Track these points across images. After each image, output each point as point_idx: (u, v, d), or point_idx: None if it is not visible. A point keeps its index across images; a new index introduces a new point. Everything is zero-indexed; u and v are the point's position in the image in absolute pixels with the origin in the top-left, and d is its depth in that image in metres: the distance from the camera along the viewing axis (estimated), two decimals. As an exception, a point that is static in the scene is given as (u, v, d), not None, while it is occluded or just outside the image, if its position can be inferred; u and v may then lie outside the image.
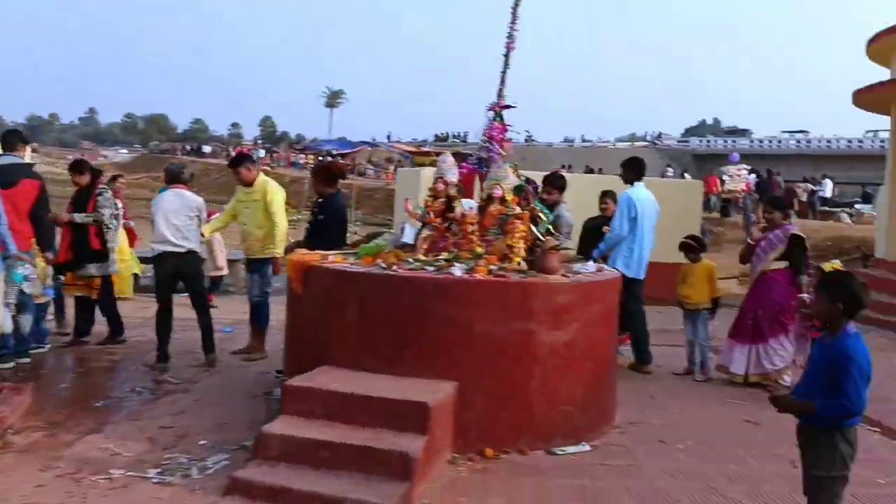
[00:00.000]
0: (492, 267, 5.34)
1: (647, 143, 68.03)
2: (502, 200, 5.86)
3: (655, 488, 4.68)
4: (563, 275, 5.44)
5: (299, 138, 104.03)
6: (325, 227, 6.60)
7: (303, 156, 55.20)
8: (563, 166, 38.64)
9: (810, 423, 3.57)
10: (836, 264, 7.36)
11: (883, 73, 13.68)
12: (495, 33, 6.52)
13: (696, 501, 4.51)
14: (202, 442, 5.09)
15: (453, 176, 6.07)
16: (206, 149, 72.00)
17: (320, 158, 45.46)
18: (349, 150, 51.17)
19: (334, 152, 50.05)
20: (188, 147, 77.29)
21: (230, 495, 4.25)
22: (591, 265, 6.05)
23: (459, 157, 6.80)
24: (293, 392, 4.83)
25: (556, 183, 7.54)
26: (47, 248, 7.16)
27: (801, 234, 7.26)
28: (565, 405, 5.25)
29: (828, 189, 29.36)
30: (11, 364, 6.55)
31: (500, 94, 6.23)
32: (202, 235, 7.56)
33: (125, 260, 11.26)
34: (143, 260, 11.58)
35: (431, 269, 5.33)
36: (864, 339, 3.59)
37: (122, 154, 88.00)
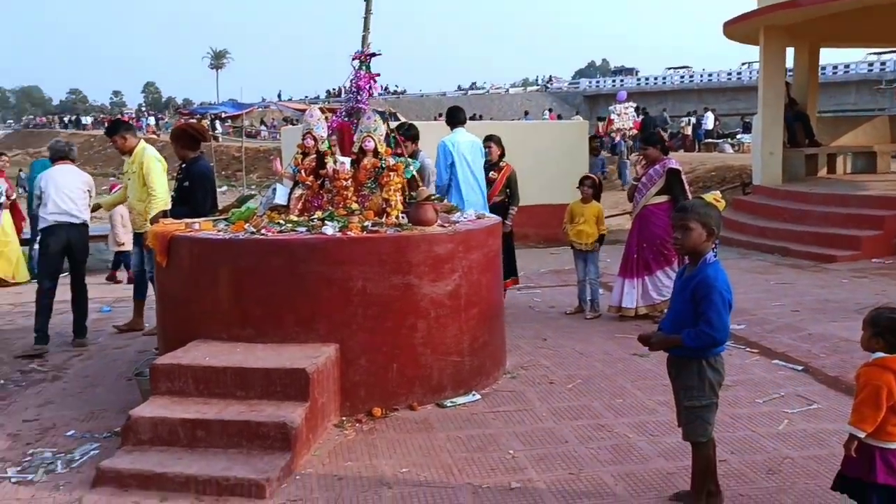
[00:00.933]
0: (366, 223, 5.15)
1: (538, 87, 68.66)
2: (375, 153, 5.66)
3: (544, 430, 4.67)
4: (440, 225, 5.31)
5: (186, 103, 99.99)
6: (192, 194, 6.24)
7: (193, 121, 53.06)
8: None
9: (678, 355, 3.58)
10: (715, 195, 7.50)
11: (751, 4, 14.02)
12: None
13: (583, 438, 4.53)
14: (70, 433, 4.76)
15: (322, 130, 5.81)
16: (86, 120, 68.30)
17: (204, 123, 44.01)
18: (239, 112, 49.49)
19: (223, 115, 48.37)
20: (66, 119, 73.11)
21: (98, 487, 3.98)
22: (469, 213, 5.94)
23: (331, 112, 6.53)
24: (163, 371, 4.55)
25: (406, 134, 7.34)
26: None
27: (678, 168, 7.36)
28: (453, 356, 5.17)
29: (709, 121, 30.34)
30: None
31: (364, 42, 5.97)
32: (100, 208, 7.54)
33: (10, 241, 10.57)
34: (23, 242, 10.89)
35: (303, 229, 5.10)
36: (722, 265, 3.60)
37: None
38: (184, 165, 6.40)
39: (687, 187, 7.40)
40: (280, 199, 5.77)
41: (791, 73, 16.35)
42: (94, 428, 4.85)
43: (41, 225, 6.92)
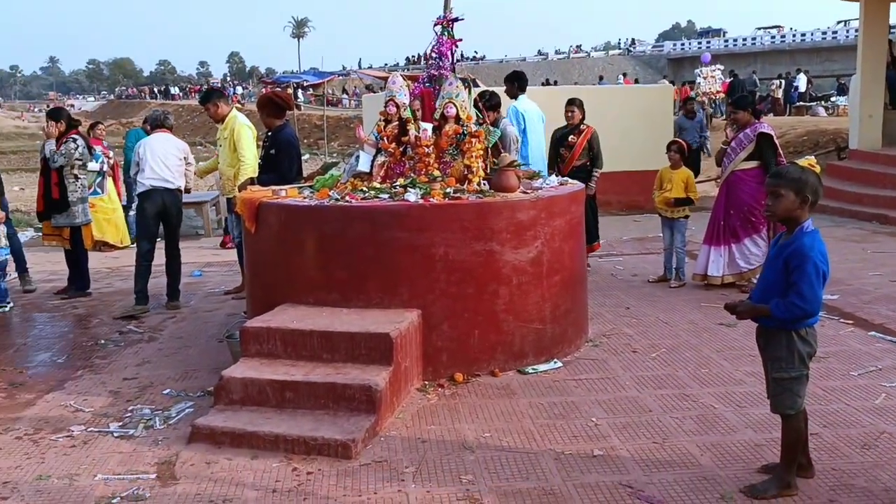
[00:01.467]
0: (448, 190, 5.15)
1: (621, 51, 66.96)
2: (457, 119, 5.64)
3: (627, 398, 4.63)
4: (522, 192, 5.27)
5: (269, 72, 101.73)
6: (278, 161, 6.36)
7: (278, 90, 53.94)
8: (545, 81, 38.10)
9: (767, 325, 3.48)
10: (810, 160, 7.21)
11: (852, -43, 13.28)
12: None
13: (668, 407, 4.47)
14: (166, 391, 4.99)
15: (404, 97, 5.81)
16: (174, 90, 70.41)
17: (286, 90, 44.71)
18: (321, 80, 50.04)
19: (305, 84, 49.02)
20: (156, 90, 75.52)
21: (193, 443, 4.15)
22: (553, 179, 5.87)
23: (412, 79, 6.52)
24: (252, 333, 4.70)
25: (489, 103, 7.29)
26: None
27: (770, 132, 7.08)
28: (535, 323, 5.16)
29: (802, 83, 29.01)
30: None
31: (446, 6, 5.92)
32: (195, 175, 8.13)
33: (116, 209, 11.06)
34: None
35: (386, 196, 5.14)
36: (821, 235, 3.46)
37: (90, 102, 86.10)
38: (269, 133, 6.52)
39: (780, 152, 7.12)
40: (363, 166, 5.82)
41: (894, 31, 15.45)
42: (188, 387, 5.06)
43: (138, 189, 7.21)
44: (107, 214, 10.98)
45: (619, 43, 74.12)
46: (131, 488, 3.68)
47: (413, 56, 71.96)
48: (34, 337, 6.44)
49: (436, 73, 5.94)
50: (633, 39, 72.29)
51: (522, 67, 58.89)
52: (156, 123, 7.68)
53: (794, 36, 57.45)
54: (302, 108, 42.70)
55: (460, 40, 5.91)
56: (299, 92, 46.22)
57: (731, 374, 4.95)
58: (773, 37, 59.30)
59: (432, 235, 4.86)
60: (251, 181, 6.37)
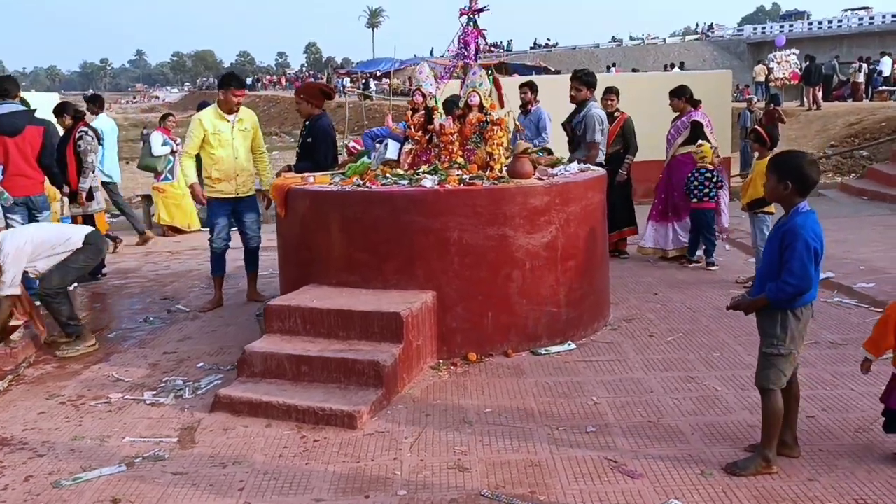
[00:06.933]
0: (465, 176, 5.33)
1: (698, 36, 65.30)
2: (480, 108, 5.80)
3: (632, 380, 4.74)
4: (538, 178, 5.41)
5: (346, 62, 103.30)
6: (315, 149, 6.64)
7: (348, 80, 54.90)
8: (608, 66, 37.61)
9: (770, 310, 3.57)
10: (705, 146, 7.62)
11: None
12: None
13: (670, 389, 4.56)
14: (200, 365, 5.34)
15: (430, 86, 6.01)
16: (249, 81, 72.46)
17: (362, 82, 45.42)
18: (392, 70, 50.56)
19: (378, 73, 49.68)
20: (233, 80, 77.74)
21: (215, 412, 4.48)
22: (573, 166, 5.97)
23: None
24: (274, 311, 5.00)
25: (584, 79, 7.55)
26: (60, 186, 7.69)
27: (701, 120, 7.74)
28: (549, 306, 5.30)
29: (886, 67, 27.79)
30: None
31: (473, -5, 6.07)
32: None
33: (185, 194, 11.63)
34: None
35: (405, 182, 5.36)
36: (815, 216, 3.51)
37: (173, 93, 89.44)
38: (307, 122, 6.81)
39: (711, 137, 7.78)
40: (391, 154, 6.06)
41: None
42: (220, 361, 5.40)
43: None
44: (176, 200, 11.54)
45: (696, 27, 72.15)
46: (154, 450, 4.02)
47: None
48: (89, 314, 6.90)
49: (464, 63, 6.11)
50: (711, 24, 70.37)
51: (595, 54, 58.33)
52: None
53: (883, 17, 54.88)
54: (374, 98, 43.29)
55: (485, 30, 6.04)
56: (371, 81, 46.92)
57: (742, 359, 4.99)
58: (860, 19, 56.81)
59: (447, 220, 5.06)
60: (288, 168, 6.68)
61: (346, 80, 49.14)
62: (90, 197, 8.03)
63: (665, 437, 3.94)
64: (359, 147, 6.94)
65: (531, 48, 67.71)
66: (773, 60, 24.42)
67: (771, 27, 64.02)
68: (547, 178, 5.41)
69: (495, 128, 5.72)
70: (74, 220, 8.05)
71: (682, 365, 4.96)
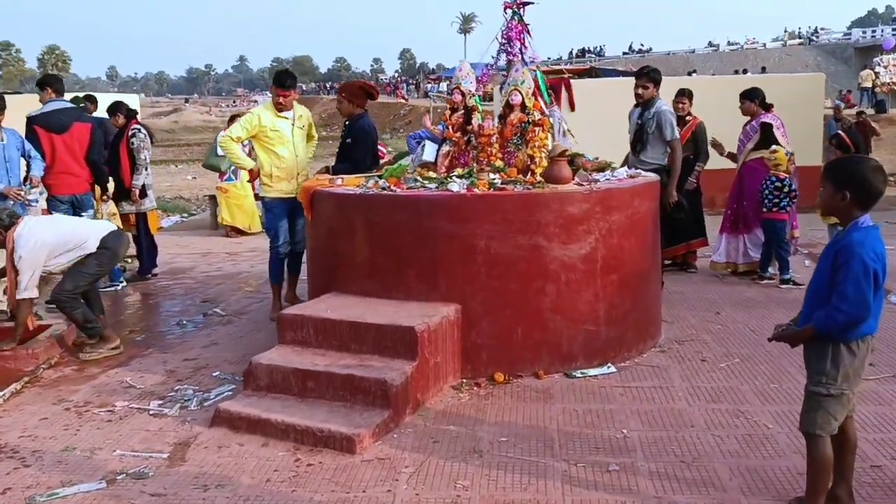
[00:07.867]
0: (496, 181, 4.92)
1: (801, 41, 62.36)
2: (522, 107, 5.39)
3: (672, 410, 4.22)
4: (577, 184, 4.94)
5: (439, 67, 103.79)
6: (354, 150, 6.35)
7: (436, 85, 55.03)
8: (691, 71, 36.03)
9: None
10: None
11: None
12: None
13: (713, 424, 4.02)
14: (216, 373, 5.11)
15: (470, 84, 5.62)
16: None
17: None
18: (480, 75, 50.34)
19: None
20: (328, 86, 79.30)
21: (215, 427, 4.21)
22: (621, 171, 5.46)
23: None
24: (288, 321, 4.71)
25: (651, 76, 6.85)
26: (105, 184, 7.63)
27: (770, 121, 7.26)
28: (586, 324, 4.82)
29: None
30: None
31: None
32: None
33: (247, 196, 11.66)
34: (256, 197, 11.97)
35: (432, 186, 4.99)
36: (878, 232, 2.95)
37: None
38: (347, 123, 6.53)
39: (783, 141, 7.17)
40: (428, 156, 5.71)
41: None
42: (238, 370, 5.12)
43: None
44: (238, 200, 11.56)
45: (799, 31, 68.89)
46: (140, 466, 3.78)
47: (578, 50, 70.88)
48: (127, 315, 6.82)
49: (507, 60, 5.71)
50: (816, 28, 67.12)
51: (691, 60, 56.39)
52: None
53: None
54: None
55: (529, 24, 5.62)
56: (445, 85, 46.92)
57: (800, 392, 4.37)
58: (982, 20, 52.97)
59: (474, 227, 4.66)
60: (326, 170, 6.41)
61: (443, 86, 49.19)
62: (143, 194, 8.00)
63: (698, 482, 3.43)
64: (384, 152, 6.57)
65: (624, 53, 66.22)
66: (879, 64, 22.80)
67: (882, 31, 60.46)
68: (588, 183, 4.93)
69: (537, 129, 5.29)
70: (127, 218, 8.05)
71: (733, 396, 4.39)
